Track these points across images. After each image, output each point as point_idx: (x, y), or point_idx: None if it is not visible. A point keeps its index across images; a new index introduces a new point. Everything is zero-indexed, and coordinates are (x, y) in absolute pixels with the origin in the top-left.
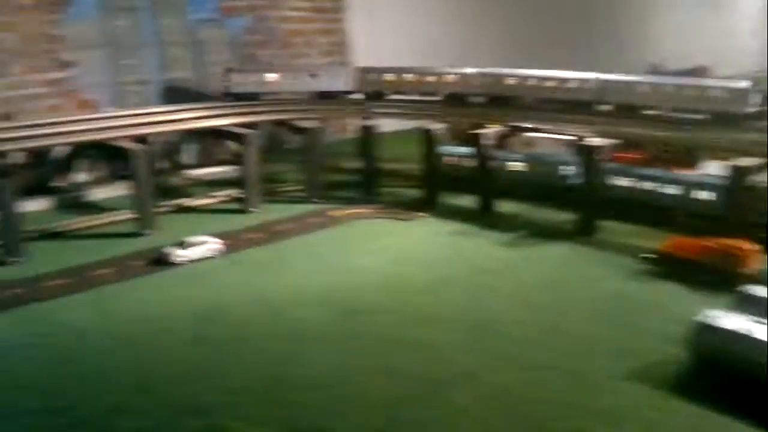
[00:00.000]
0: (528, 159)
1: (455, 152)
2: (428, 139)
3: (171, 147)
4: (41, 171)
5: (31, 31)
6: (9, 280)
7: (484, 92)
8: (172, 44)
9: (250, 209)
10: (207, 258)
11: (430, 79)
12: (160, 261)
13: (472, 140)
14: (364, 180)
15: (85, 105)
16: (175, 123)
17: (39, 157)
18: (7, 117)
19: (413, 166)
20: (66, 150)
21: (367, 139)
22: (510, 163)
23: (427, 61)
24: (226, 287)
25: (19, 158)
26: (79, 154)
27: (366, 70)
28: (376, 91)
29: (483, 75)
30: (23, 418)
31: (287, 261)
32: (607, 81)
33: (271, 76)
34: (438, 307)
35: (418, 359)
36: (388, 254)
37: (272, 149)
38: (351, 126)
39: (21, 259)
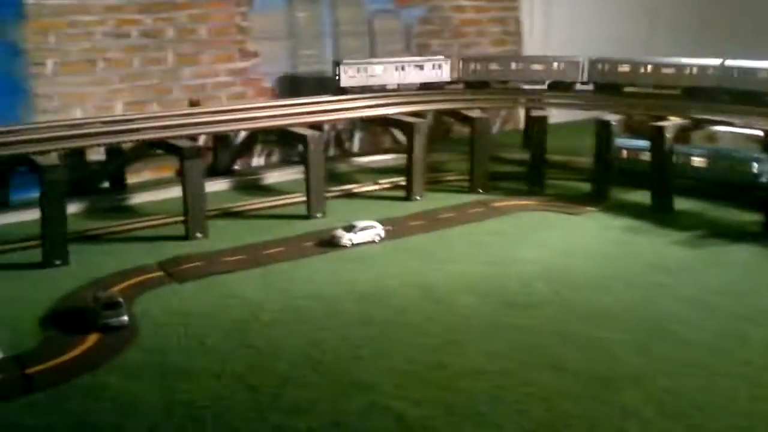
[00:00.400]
0: (712, 154)
1: (630, 145)
2: (605, 130)
3: (339, 134)
4: (224, 154)
5: (221, 22)
6: (193, 254)
7: (592, 80)
8: (347, 35)
9: (414, 197)
10: (372, 242)
11: (537, 67)
12: (328, 243)
13: (651, 133)
14: (530, 171)
15: (266, 93)
16: (347, 111)
17: (222, 141)
18: (196, 103)
19: (580, 158)
20: (246, 135)
21: (535, 129)
22: (692, 157)
23: (605, 51)
24: (389, 271)
25: (206, 142)
26: (257, 139)
27: (468, 60)
28: (480, 81)
29: (593, 62)
30: (200, 380)
31: (449, 249)
32: (728, 67)
33: (377, 69)
34: (605, 304)
35: (583, 355)
36: (553, 247)
37: (437, 139)
38: (517, 117)
39: (204, 235)
